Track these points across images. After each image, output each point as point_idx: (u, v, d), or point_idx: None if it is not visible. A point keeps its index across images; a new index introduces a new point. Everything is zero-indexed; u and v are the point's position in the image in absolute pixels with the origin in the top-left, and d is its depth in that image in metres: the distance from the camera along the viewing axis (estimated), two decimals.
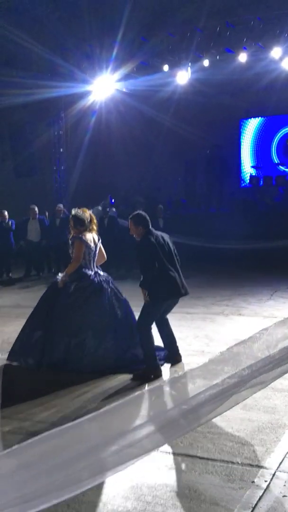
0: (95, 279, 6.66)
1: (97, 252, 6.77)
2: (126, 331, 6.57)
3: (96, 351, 6.40)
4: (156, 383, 2.52)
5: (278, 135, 20.03)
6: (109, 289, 6.65)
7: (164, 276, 6.20)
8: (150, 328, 6.28)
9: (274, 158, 19.99)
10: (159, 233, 6.46)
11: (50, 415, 5.20)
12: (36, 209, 14.40)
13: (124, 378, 6.14)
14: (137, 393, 2.49)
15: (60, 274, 6.85)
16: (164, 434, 2.37)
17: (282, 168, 19.68)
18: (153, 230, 6.40)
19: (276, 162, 19.87)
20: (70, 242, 6.81)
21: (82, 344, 6.40)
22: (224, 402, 2.43)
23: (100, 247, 6.82)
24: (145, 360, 6.25)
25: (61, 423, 4.92)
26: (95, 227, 6.82)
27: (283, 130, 19.95)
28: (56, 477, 2.07)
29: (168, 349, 6.59)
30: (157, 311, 6.31)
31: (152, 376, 6.07)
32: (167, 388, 2.48)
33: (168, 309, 6.55)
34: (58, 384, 6.00)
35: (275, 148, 20.00)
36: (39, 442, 2.16)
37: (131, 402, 2.39)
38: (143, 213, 6.46)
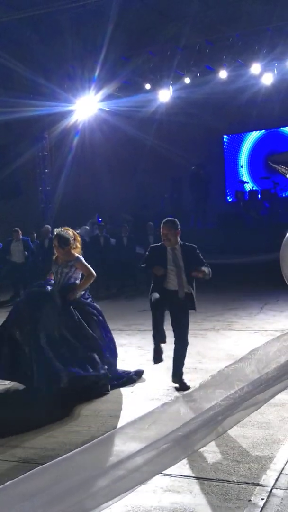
0: (87, 294, 6.85)
1: None
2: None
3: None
4: (148, 410, 2.48)
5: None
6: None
7: None
8: None
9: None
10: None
11: (41, 441, 5.14)
12: (20, 231, 14.37)
13: (116, 398, 6.11)
14: (130, 420, 2.47)
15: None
16: (159, 463, 2.34)
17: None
18: None
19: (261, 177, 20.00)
20: (56, 263, 6.81)
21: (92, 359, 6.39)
22: (218, 426, 2.41)
23: None
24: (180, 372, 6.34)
25: (53, 448, 4.91)
26: (79, 245, 6.86)
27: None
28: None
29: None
30: None
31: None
32: (160, 415, 2.45)
33: None
34: (48, 406, 5.94)
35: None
36: (35, 475, 2.13)
37: (124, 430, 2.36)
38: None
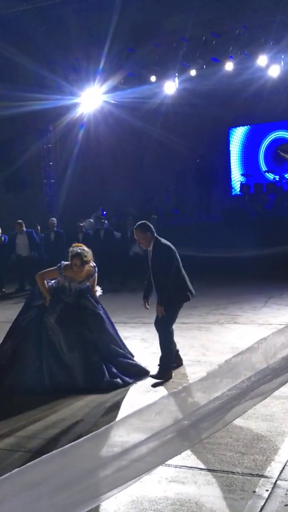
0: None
1: None
2: None
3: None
4: (154, 399, 2.48)
5: (264, 142, 20.12)
6: None
7: (181, 281, 6.58)
8: (172, 332, 6.59)
9: (262, 166, 20.07)
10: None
11: (46, 431, 5.17)
12: (23, 223, 14.36)
13: (121, 389, 6.11)
14: (136, 409, 2.47)
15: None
16: (165, 452, 2.35)
17: (269, 175, 19.70)
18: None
19: (264, 169, 19.91)
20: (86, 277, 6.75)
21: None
22: (225, 415, 2.41)
23: None
24: (164, 362, 6.49)
25: (57, 438, 4.93)
26: None
27: (270, 137, 20.03)
28: (57, 500, 2.05)
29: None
30: (175, 315, 6.65)
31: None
32: (166, 404, 2.46)
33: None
34: (52, 398, 5.96)
35: (263, 155, 20.09)
36: (40, 464, 2.14)
37: (130, 419, 2.36)
38: (146, 222, 6.70)
